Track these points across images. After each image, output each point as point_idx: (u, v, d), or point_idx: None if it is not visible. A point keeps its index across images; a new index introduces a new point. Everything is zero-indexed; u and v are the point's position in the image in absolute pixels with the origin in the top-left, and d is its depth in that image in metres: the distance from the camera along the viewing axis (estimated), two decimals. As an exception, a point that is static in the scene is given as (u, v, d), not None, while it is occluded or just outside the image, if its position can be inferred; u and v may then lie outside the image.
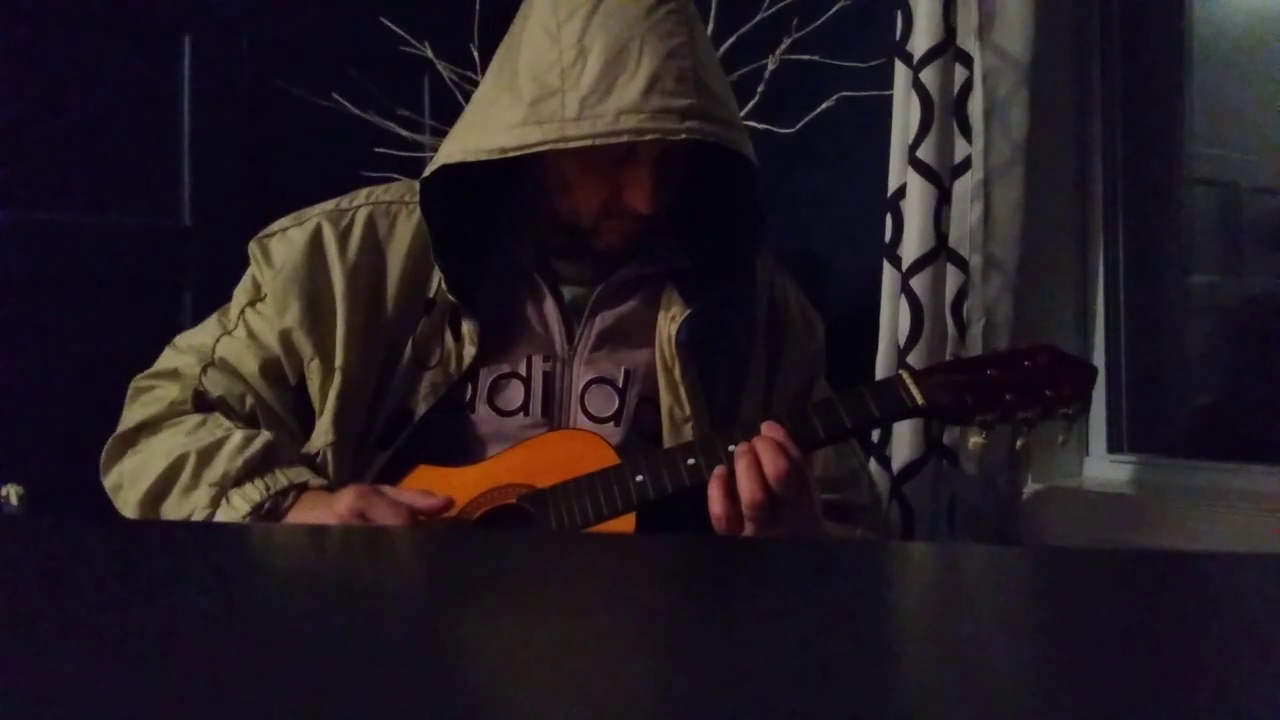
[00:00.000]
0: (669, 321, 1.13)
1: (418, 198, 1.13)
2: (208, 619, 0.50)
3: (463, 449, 1.12)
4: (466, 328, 1.11)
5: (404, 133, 1.81)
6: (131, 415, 1.13)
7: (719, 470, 0.99)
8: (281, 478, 1.05)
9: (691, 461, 1.02)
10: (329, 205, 1.15)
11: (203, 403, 1.12)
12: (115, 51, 1.84)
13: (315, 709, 0.37)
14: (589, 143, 0.99)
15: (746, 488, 0.98)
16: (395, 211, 1.15)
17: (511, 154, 1.01)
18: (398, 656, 0.44)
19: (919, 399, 1.04)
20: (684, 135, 0.99)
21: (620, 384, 1.14)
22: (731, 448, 1.01)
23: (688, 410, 1.12)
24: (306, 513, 1.04)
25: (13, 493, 1.53)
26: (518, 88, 1.03)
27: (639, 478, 1.01)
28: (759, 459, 0.99)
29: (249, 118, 1.93)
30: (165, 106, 1.88)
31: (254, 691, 0.39)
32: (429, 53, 1.79)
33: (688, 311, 1.12)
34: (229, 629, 0.49)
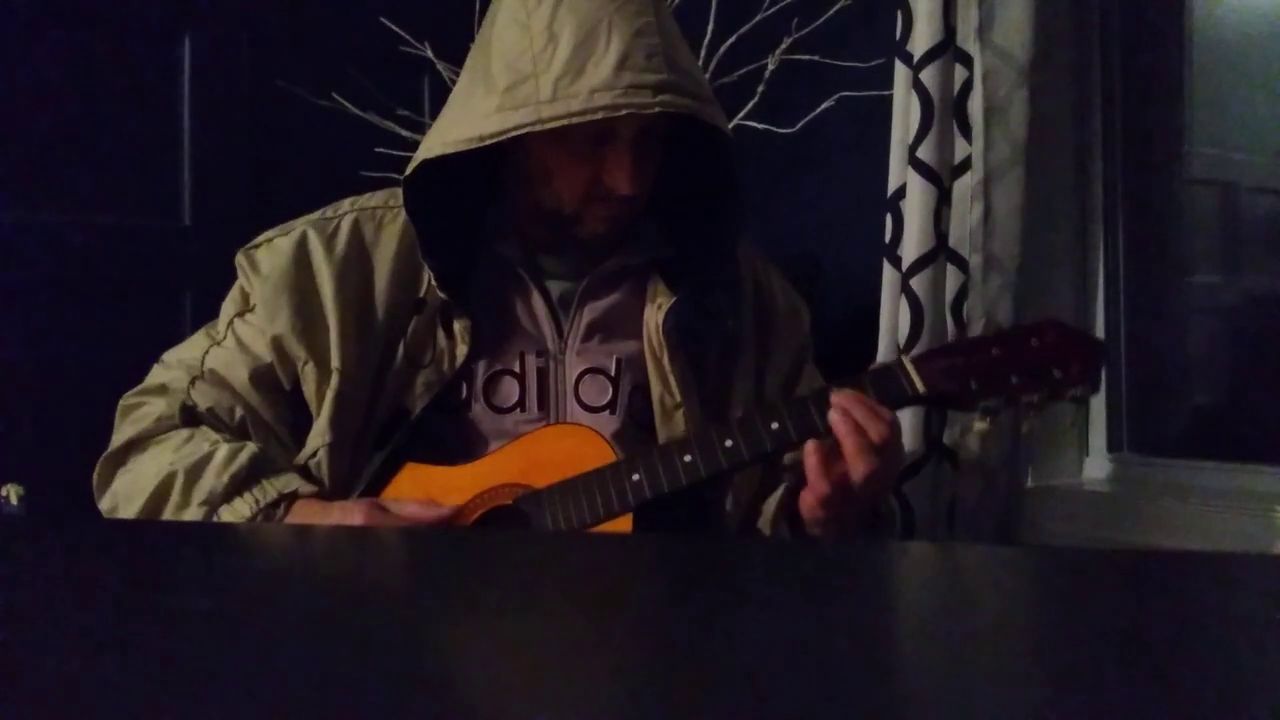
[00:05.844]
0: (656, 310, 1.13)
1: (401, 201, 1.14)
2: (207, 619, 0.50)
3: (461, 447, 1.12)
4: (458, 325, 1.11)
5: (404, 133, 1.81)
6: (121, 434, 1.13)
7: (815, 447, 0.99)
8: (270, 489, 1.05)
9: (688, 458, 1.02)
10: (314, 216, 1.16)
11: (190, 416, 1.12)
12: (115, 51, 1.83)
13: (312, 709, 0.37)
14: (565, 122, 1.00)
15: (860, 462, 0.97)
16: (380, 216, 1.15)
17: (489, 141, 1.02)
18: (395, 658, 0.44)
19: (919, 386, 1.02)
20: (657, 109, 1.01)
21: (613, 372, 1.14)
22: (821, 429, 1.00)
23: (678, 397, 1.12)
24: (304, 521, 1.04)
25: (13, 493, 1.53)
26: (491, 78, 1.04)
27: (635, 476, 1.01)
28: (862, 428, 0.98)
29: (249, 118, 1.93)
30: (165, 106, 1.88)
31: (252, 691, 0.39)
32: (429, 53, 1.79)
33: (673, 299, 1.13)
34: (228, 629, 0.49)
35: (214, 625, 0.49)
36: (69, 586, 0.57)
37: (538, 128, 1.00)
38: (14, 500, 1.52)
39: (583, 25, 1.01)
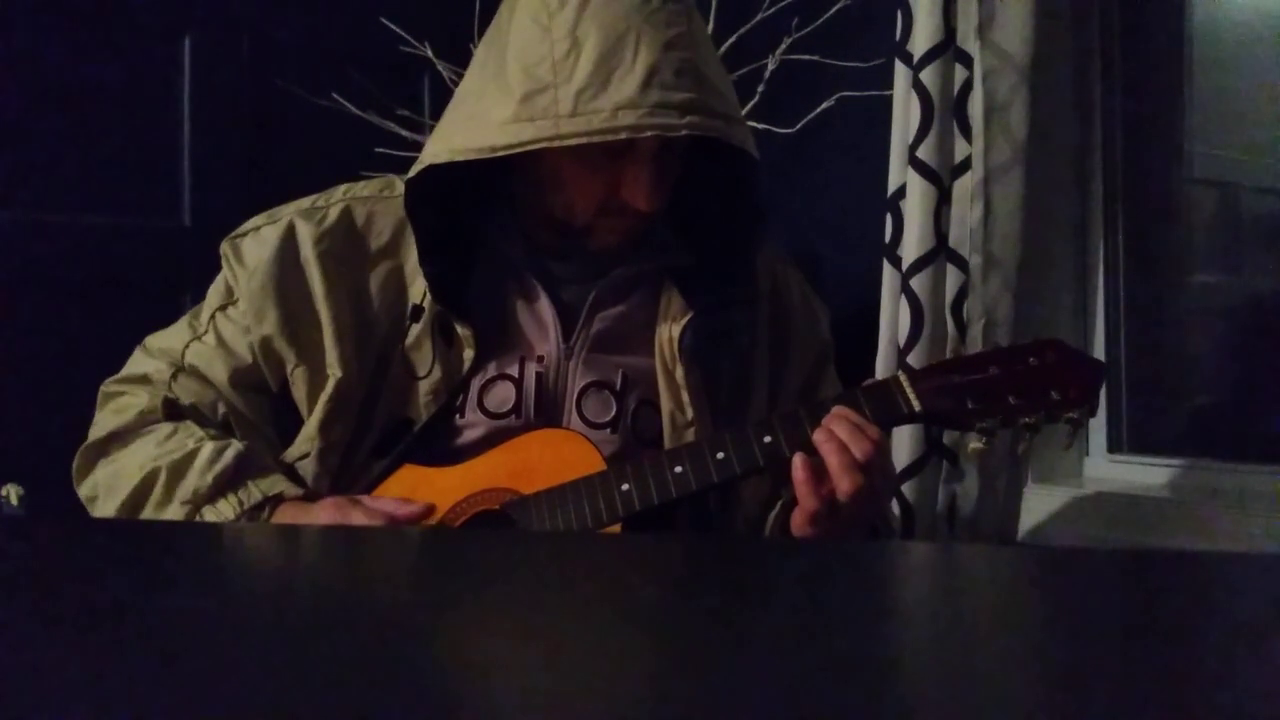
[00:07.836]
0: (670, 324, 1.09)
1: (396, 192, 1.09)
2: (205, 619, 0.50)
3: (453, 452, 1.08)
4: (461, 332, 1.07)
5: (404, 133, 1.81)
6: (102, 424, 1.10)
7: (803, 463, 0.97)
8: (255, 491, 1.02)
9: (679, 469, 0.99)
10: (304, 203, 1.12)
11: (173, 410, 1.09)
12: (115, 51, 1.83)
13: (311, 709, 0.37)
14: (584, 140, 0.95)
15: (844, 479, 0.95)
16: (373, 205, 1.11)
17: (502, 153, 0.97)
18: (395, 658, 0.44)
19: (915, 405, 1.00)
20: (684, 131, 0.96)
21: (618, 388, 1.10)
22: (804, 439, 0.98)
23: (690, 415, 1.08)
24: (289, 523, 1.02)
25: (13, 493, 1.53)
26: (507, 81, 0.98)
27: (624, 486, 0.99)
28: (846, 446, 0.96)
29: (249, 118, 1.93)
30: (165, 106, 1.88)
31: (249, 692, 0.39)
32: (429, 53, 1.78)
33: (690, 314, 1.09)
34: (226, 629, 0.49)
35: (212, 625, 0.49)
36: (68, 586, 0.57)
37: (555, 144, 0.95)
38: (14, 500, 1.52)
39: (609, 34, 0.95)
